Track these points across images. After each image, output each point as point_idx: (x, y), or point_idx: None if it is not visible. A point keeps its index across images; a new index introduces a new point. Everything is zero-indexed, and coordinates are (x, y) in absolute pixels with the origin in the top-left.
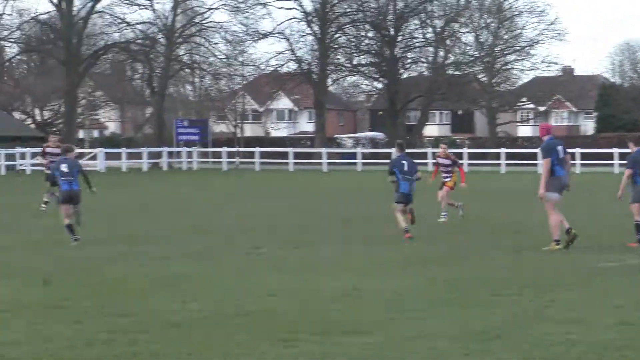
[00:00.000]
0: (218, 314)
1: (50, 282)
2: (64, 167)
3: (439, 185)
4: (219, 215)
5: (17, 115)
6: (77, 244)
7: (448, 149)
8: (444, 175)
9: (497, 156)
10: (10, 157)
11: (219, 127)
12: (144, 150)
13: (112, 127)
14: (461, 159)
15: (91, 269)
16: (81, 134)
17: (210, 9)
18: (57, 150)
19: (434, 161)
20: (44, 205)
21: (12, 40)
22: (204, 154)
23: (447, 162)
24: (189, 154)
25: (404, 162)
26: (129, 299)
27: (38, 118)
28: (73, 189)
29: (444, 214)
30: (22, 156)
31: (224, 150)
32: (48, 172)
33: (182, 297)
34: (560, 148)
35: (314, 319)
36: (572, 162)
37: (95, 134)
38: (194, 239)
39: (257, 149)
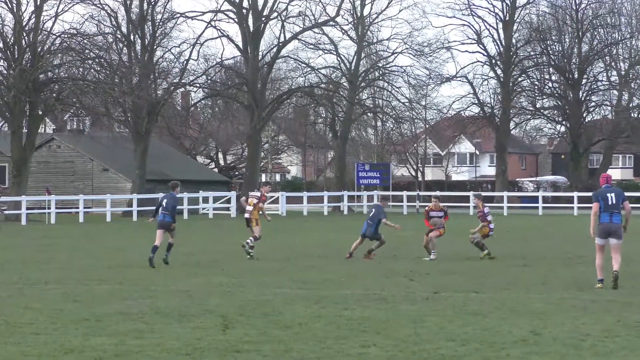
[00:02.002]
0: (398, 359)
1: (230, 325)
2: (164, 202)
3: (426, 230)
4: (399, 258)
5: (200, 159)
6: (149, 263)
7: (440, 202)
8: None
9: None
10: (193, 201)
11: (400, 171)
12: (325, 194)
13: (294, 170)
14: None
15: (271, 312)
16: (264, 177)
17: (394, 53)
18: (257, 195)
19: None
20: (249, 249)
21: (198, 85)
22: (385, 198)
23: (440, 213)
24: (370, 198)
25: (372, 210)
26: (307, 342)
27: (221, 162)
28: (165, 220)
29: (434, 251)
30: (205, 200)
31: (405, 194)
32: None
33: (361, 341)
34: (610, 195)
35: None
36: None
37: (278, 177)
38: (373, 282)
39: (437, 193)
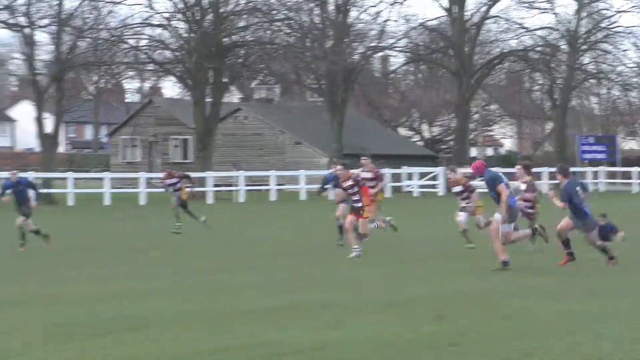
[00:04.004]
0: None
1: (444, 316)
2: None
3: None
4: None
5: (402, 131)
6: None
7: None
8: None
9: None
10: (396, 177)
11: (629, 144)
12: (544, 170)
13: (508, 144)
14: None
15: (489, 304)
16: (474, 151)
17: (618, 12)
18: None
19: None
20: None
21: (398, 49)
22: (612, 175)
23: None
24: (595, 175)
25: None
26: (526, 336)
27: (426, 134)
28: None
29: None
30: (409, 177)
31: (635, 170)
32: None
33: (592, 335)
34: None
35: None
36: None
37: (489, 151)
38: (596, 272)
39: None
